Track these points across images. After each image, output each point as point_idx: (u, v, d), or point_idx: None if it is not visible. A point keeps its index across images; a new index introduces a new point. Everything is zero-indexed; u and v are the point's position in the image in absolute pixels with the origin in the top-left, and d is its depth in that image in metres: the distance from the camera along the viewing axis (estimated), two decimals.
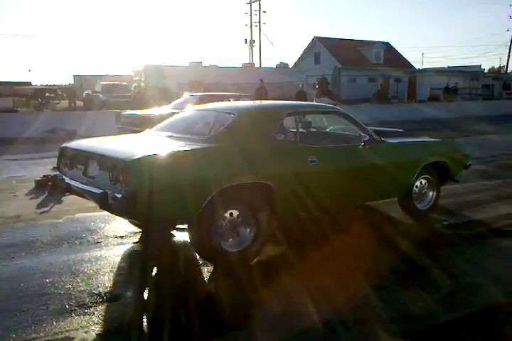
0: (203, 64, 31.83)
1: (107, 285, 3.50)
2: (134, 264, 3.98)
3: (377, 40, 40.92)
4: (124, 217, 4.18)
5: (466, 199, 6.13)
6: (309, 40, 42.00)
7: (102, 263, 3.94)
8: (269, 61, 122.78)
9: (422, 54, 72.64)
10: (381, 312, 3.08)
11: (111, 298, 3.30)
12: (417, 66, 44.45)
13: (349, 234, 4.68)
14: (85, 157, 4.00)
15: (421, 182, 5.21)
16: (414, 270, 3.84)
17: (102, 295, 3.32)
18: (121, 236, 4.64)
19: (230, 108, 4.70)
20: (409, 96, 31.50)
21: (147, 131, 4.86)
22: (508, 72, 47.26)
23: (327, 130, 5.50)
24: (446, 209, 5.60)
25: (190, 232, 3.73)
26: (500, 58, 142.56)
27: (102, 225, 4.99)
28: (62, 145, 4.49)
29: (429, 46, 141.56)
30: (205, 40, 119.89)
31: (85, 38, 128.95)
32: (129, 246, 4.41)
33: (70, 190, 4.08)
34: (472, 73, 34.90)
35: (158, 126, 4.84)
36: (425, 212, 5.31)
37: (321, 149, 4.38)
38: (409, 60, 44.21)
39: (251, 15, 42.75)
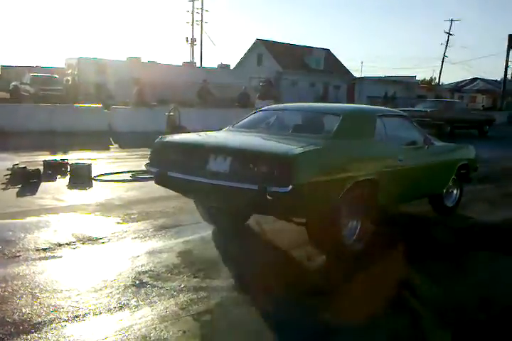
0: (142, 60, 30.71)
1: (24, 311, 2.90)
2: (60, 284, 3.38)
3: (318, 46, 41.59)
4: (280, 215, 4.13)
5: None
6: (251, 42, 41.93)
7: (20, 282, 3.31)
8: (211, 61, 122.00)
9: (361, 63, 75.03)
10: None
11: (29, 328, 2.71)
12: (356, 74, 45.55)
13: None
14: (205, 152, 3.98)
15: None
16: None
17: (19, 324, 2.72)
18: (44, 249, 4.00)
19: (332, 109, 5.11)
20: (348, 103, 32.14)
21: (230, 127, 4.90)
22: (440, 83, 49.70)
23: None
24: None
25: (319, 225, 3.83)
26: (434, 70, 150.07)
27: (22, 235, 4.31)
28: (159, 140, 4.38)
29: (368, 55, 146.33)
30: (144, 36, 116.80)
31: (15, 25, 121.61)
32: (54, 261, 3.79)
33: (173, 184, 4.17)
34: (407, 83, 36.23)
35: (241, 124, 4.90)
36: (451, 209, 5.84)
37: (404, 149, 4.88)
38: (348, 68, 45.31)
39: (193, 13, 42.05)
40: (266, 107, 5.74)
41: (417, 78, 44.30)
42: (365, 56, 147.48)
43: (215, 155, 3.86)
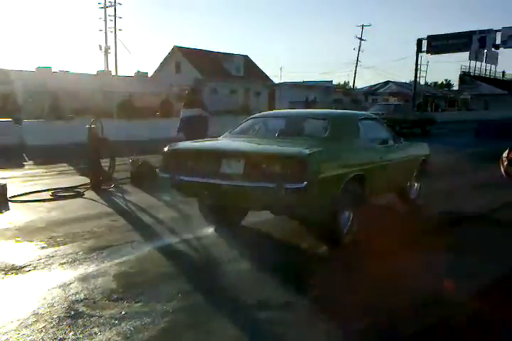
0: (53, 69, 29.20)
1: None
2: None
3: (237, 53, 41.84)
4: (293, 208, 4.28)
5: None
6: (169, 50, 41.27)
7: None
8: (127, 69, 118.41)
9: (280, 68, 76.52)
10: None
11: None
12: (276, 80, 46.43)
13: None
14: (217, 156, 4.41)
15: None
16: None
17: None
18: None
19: (320, 115, 5.81)
20: (270, 109, 32.58)
21: (228, 134, 5.34)
22: (356, 87, 51.90)
23: None
24: None
25: (322, 216, 4.24)
26: (348, 75, 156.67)
27: None
28: (170, 147, 4.74)
29: (287, 61, 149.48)
30: (55, 45, 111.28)
31: None
32: None
33: (187, 187, 4.55)
34: (325, 88, 37.44)
35: (239, 130, 5.40)
36: (415, 201, 6.49)
37: (381, 148, 5.46)
38: (267, 73, 45.95)
39: (105, 20, 40.81)
40: (257, 115, 6.19)
41: (333, 83, 45.94)
42: (284, 62, 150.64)
43: (228, 159, 4.33)
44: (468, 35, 26.90)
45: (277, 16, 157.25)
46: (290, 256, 4.38)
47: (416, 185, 6.53)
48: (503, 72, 55.37)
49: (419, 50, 29.12)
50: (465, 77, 49.31)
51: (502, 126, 18.07)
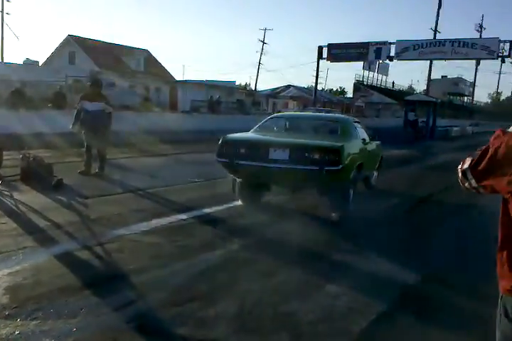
0: None
1: None
2: None
3: (138, 47, 40.34)
4: (328, 183, 5.85)
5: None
6: (63, 38, 38.60)
7: None
8: (15, 57, 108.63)
9: (183, 66, 75.22)
10: None
11: None
12: (179, 77, 45.51)
13: None
14: (264, 146, 5.87)
15: None
16: None
17: None
18: None
19: (332, 118, 8.11)
20: (172, 107, 31.73)
21: (257, 129, 6.87)
22: (257, 89, 52.67)
23: None
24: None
25: (342, 191, 5.99)
26: (250, 76, 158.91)
27: None
28: (224, 138, 6.03)
29: (191, 59, 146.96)
30: None
31: None
32: None
33: (242, 169, 5.92)
34: (228, 88, 37.44)
35: (267, 124, 7.05)
36: (373, 186, 8.35)
37: (367, 144, 7.22)
38: (170, 70, 44.89)
39: None
40: (277, 115, 8.61)
41: (236, 83, 46.17)
42: (188, 60, 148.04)
43: (275, 149, 5.76)
44: (366, 45, 28.42)
45: (183, 14, 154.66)
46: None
47: (375, 174, 8.40)
48: (393, 83, 59.84)
49: (319, 56, 30.19)
50: (359, 85, 52.45)
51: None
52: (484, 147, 1.78)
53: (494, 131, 1.76)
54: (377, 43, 28.11)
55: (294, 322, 3.08)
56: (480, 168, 1.76)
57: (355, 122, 7.46)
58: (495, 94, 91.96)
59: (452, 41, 26.43)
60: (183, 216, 5.68)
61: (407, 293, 3.76)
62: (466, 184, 1.82)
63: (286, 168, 5.63)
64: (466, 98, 68.48)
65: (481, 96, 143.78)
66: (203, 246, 4.56)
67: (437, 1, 40.98)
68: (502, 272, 1.70)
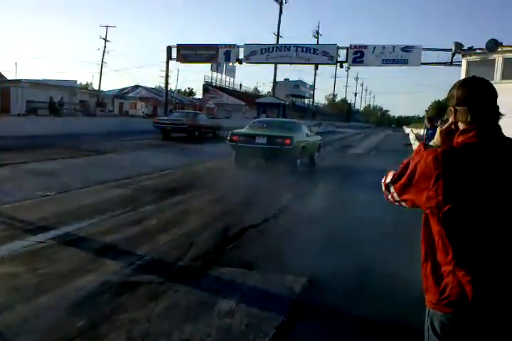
0: None
1: None
2: None
3: None
4: (282, 155, 11.22)
5: None
6: None
7: None
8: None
9: (16, 63, 68.05)
10: None
11: None
12: (10, 76, 41.02)
13: None
14: (253, 136, 11.37)
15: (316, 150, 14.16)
16: None
17: None
18: None
19: (289, 121, 15.74)
20: (3, 110, 28.41)
21: (248, 126, 12.77)
22: (102, 89, 49.97)
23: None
24: None
25: (293, 160, 11.73)
26: (93, 76, 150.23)
27: None
28: (232, 132, 11.79)
29: (25, 56, 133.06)
30: None
31: None
32: None
33: (241, 147, 11.33)
34: (70, 88, 34.87)
35: (255, 124, 12.85)
36: (315, 162, 13.64)
37: (308, 137, 12.78)
38: None
39: None
40: (259, 119, 15.88)
41: (78, 83, 43.25)
42: (21, 56, 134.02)
43: (258, 137, 11.24)
44: (216, 48, 28.78)
45: (14, 7, 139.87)
46: None
47: (317, 154, 13.84)
48: (240, 85, 61.88)
49: (169, 57, 29.76)
50: (208, 87, 53.13)
51: None
52: (405, 161, 1.77)
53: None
54: (226, 46, 28.66)
55: None
56: (401, 182, 1.75)
57: (303, 124, 13.55)
58: (331, 96, 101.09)
59: (296, 46, 28.18)
60: (40, 237, 4.98)
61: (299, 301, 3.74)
62: (390, 197, 1.81)
63: (264, 147, 10.96)
64: (307, 100, 74.01)
65: (320, 98, 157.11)
66: (71, 273, 4.02)
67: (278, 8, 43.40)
68: (427, 285, 1.70)
